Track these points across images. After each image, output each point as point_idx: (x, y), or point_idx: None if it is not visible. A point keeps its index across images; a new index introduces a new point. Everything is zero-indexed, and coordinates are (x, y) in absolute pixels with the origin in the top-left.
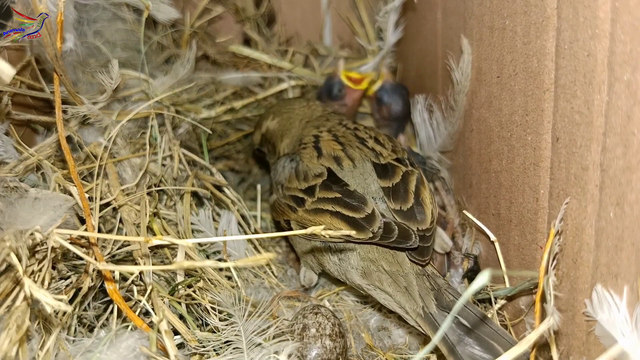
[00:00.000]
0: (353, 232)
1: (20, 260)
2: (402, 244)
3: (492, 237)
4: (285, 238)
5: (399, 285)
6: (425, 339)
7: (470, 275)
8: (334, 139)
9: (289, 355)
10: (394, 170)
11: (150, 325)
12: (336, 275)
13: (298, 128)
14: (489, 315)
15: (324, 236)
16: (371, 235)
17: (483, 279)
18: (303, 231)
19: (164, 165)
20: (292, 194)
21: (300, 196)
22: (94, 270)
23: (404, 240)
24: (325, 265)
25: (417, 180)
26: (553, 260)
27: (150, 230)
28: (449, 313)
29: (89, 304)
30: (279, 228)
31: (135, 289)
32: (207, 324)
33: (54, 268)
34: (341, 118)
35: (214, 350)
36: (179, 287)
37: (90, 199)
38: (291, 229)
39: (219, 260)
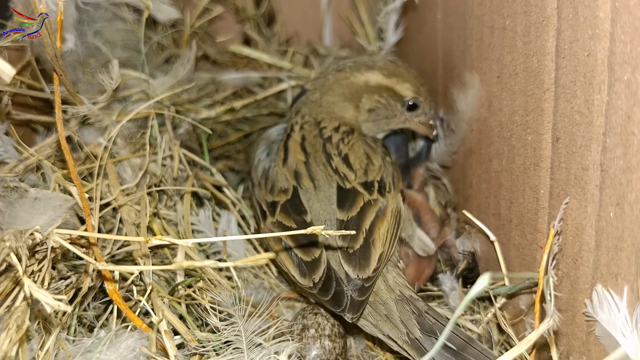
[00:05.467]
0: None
1: (20, 260)
2: (334, 307)
3: (492, 237)
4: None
5: (379, 313)
6: None
7: (467, 274)
8: (301, 141)
9: (289, 356)
10: (355, 199)
11: (150, 325)
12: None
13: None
14: (490, 315)
15: (324, 236)
16: (311, 285)
17: (482, 282)
18: (303, 231)
19: (164, 165)
20: (259, 202)
21: (264, 209)
22: (93, 270)
23: (336, 305)
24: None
25: (376, 214)
26: (553, 260)
27: (150, 230)
28: (433, 336)
29: (88, 304)
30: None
31: (135, 289)
32: (207, 324)
33: (53, 268)
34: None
35: (214, 350)
36: (179, 287)
37: (90, 199)
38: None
39: (219, 260)
